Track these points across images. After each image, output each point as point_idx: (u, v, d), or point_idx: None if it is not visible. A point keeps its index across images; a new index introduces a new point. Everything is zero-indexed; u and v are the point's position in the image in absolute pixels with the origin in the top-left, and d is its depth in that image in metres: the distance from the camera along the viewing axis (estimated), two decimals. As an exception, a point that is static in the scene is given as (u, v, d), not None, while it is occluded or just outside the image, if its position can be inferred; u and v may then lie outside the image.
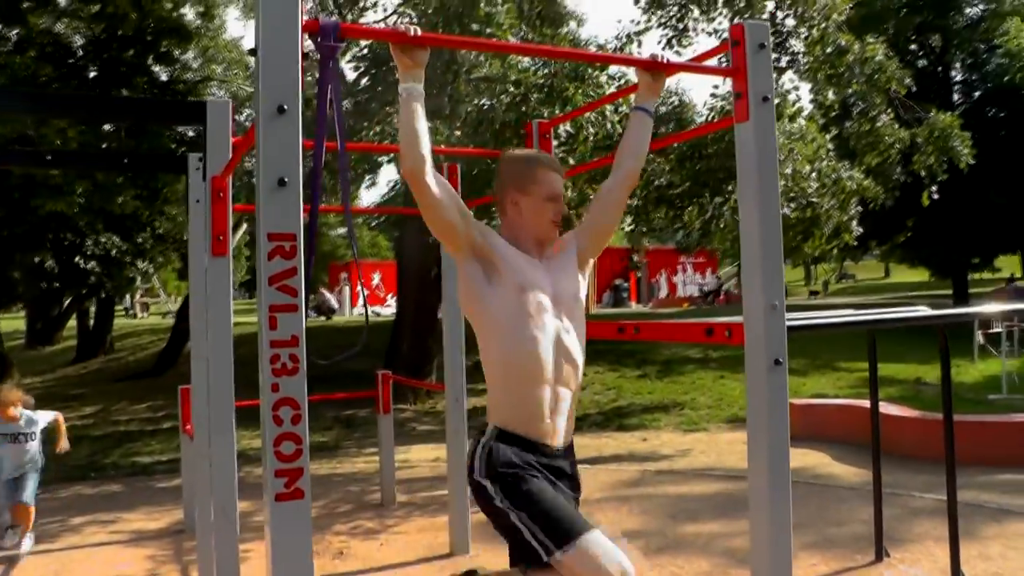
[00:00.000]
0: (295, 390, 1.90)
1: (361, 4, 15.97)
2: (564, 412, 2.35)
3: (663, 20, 11.52)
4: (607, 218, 2.59)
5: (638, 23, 10.25)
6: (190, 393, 4.65)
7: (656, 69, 2.60)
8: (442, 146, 7.12)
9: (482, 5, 7.88)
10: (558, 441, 2.34)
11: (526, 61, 8.88)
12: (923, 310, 3.62)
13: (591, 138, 7.72)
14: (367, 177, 14.45)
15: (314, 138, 2.08)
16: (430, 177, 2.27)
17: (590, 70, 8.15)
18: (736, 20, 10.95)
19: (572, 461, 2.42)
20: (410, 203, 10.87)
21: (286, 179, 1.89)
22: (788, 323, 2.51)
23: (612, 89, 8.24)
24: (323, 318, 25.18)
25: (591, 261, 2.58)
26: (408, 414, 11.44)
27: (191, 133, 15.10)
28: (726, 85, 9.45)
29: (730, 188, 9.05)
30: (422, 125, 2.25)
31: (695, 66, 2.98)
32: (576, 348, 2.37)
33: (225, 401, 3.41)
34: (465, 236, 2.34)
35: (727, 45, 2.78)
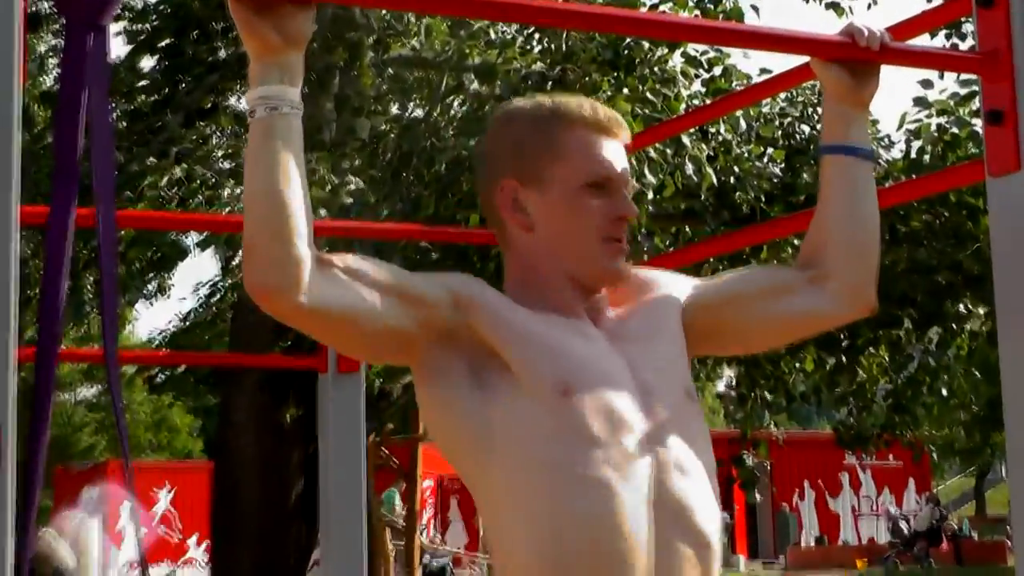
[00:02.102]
0: None
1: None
2: None
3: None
4: (757, 324, 1.97)
5: None
6: None
7: (856, 59, 1.89)
8: (323, 213, 6.00)
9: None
10: None
11: (499, 31, 7.38)
12: None
13: (651, 193, 6.45)
14: (151, 276, 11.80)
15: (50, 196, 1.66)
16: (314, 291, 1.60)
17: (647, 45, 7.08)
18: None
19: None
20: (248, 340, 8.65)
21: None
22: None
23: (697, 86, 7.13)
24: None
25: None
26: None
27: None
28: (944, 86, 8.40)
29: (959, 308, 7.58)
30: (295, 176, 1.60)
31: (926, 50, 2.67)
32: (701, 501, 1.74)
33: None
34: (421, 330, 1.72)
35: (954, 6, 2.50)
